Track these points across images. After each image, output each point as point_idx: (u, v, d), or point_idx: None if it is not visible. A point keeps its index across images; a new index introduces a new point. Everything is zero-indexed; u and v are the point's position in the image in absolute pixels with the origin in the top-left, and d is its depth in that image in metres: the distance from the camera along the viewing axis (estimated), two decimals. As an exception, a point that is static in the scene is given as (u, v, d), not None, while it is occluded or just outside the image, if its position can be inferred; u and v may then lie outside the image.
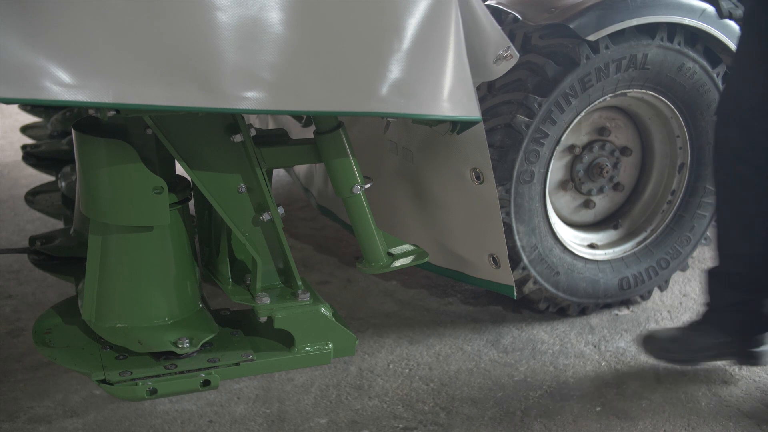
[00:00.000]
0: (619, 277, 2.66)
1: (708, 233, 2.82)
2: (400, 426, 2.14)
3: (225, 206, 1.63)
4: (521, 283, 2.47)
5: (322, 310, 1.69)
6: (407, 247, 1.76)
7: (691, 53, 2.44)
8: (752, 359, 2.30)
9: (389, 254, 1.72)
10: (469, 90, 1.57)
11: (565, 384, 2.32)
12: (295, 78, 1.40)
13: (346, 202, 1.68)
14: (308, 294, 1.69)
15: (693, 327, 2.31)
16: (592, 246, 2.68)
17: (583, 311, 2.66)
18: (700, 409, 2.24)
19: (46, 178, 2.84)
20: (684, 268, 2.85)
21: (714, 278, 2.30)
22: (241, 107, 1.37)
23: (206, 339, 1.65)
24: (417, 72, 1.50)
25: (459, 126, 1.65)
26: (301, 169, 2.65)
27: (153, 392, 1.59)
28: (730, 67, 2.26)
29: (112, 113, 1.50)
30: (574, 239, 2.65)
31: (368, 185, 1.66)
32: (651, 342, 2.28)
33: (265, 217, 1.64)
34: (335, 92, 1.43)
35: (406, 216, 1.96)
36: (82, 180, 1.62)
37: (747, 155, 2.08)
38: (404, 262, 1.73)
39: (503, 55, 1.62)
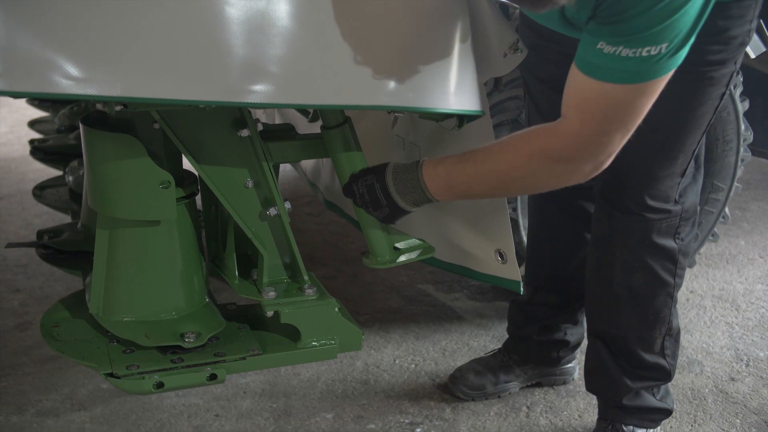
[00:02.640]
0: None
1: (715, 230, 2.81)
2: (406, 421, 2.14)
3: (232, 201, 1.63)
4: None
5: (329, 305, 1.69)
6: (413, 241, 1.75)
7: None
8: (562, 378, 2.30)
9: (395, 249, 1.72)
10: (475, 84, 1.57)
11: (572, 381, 2.32)
12: (303, 72, 1.40)
13: (353, 198, 1.68)
14: (315, 289, 1.69)
15: (495, 358, 2.27)
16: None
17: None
18: (707, 405, 2.23)
19: (54, 172, 2.85)
20: (691, 265, 2.84)
21: (515, 306, 2.27)
22: (248, 101, 1.37)
23: (213, 333, 1.66)
24: (424, 66, 1.49)
25: (465, 121, 1.65)
26: (307, 164, 2.65)
27: (160, 386, 1.59)
28: None
29: (119, 108, 1.50)
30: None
31: None
32: (458, 381, 2.23)
33: (272, 211, 1.64)
34: (342, 86, 1.43)
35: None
36: (89, 174, 1.62)
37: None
38: (410, 257, 1.73)
39: (512, 50, 1.61)
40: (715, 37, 1.61)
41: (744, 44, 1.68)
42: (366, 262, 1.74)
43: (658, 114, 1.53)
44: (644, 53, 1.39)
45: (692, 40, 1.42)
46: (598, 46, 1.42)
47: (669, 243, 1.84)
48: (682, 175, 1.80)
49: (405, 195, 1.61)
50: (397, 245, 1.73)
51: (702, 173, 1.92)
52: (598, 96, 1.46)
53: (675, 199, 1.81)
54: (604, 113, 1.47)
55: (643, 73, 1.42)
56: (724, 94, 1.72)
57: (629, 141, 1.72)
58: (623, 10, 1.37)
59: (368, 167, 1.66)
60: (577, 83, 1.49)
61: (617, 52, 1.40)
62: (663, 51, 1.39)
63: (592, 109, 1.47)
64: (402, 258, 1.72)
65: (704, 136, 1.79)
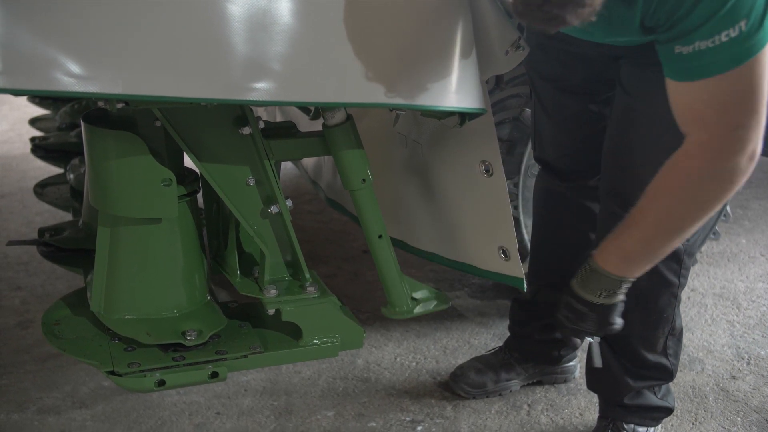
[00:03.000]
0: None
1: (717, 228, 2.80)
2: (407, 419, 2.14)
3: (233, 199, 1.63)
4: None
5: (330, 302, 1.69)
6: (430, 292, 1.81)
7: None
8: (563, 376, 2.31)
9: (412, 299, 1.78)
10: (477, 82, 1.57)
11: (573, 380, 2.32)
12: (304, 70, 1.39)
13: (354, 195, 1.68)
14: (316, 287, 1.69)
15: (496, 356, 2.28)
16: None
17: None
18: (708, 403, 2.23)
19: (55, 170, 2.85)
20: (693, 263, 2.84)
21: (517, 304, 2.27)
22: (250, 98, 1.36)
23: (214, 331, 1.66)
24: (426, 64, 1.49)
25: (467, 118, 1.65)
26: (309, 161, 2.65)
27: (161, 384, 1.59)
28: None
29: (121, 105, 1.50)
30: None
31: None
32: (459, 379, 2.23)
33: (274, 209, 1.64)
34: (344, 84, 1.43)
35: (415, 209, 1.96)
36: (90, 172, 1.62)
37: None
38: (427, 308, 1.80)
39: (514, 48, 1.61)
40: None
41: None
42: (384, 312, 1.79)
43: (667, 112, 1.51)
44: (724, 38, 1.32)
45: None
46: (676, 51, 1.37)
47: None
48: None
49: (597, 292, 1.62)
50: (415, 295, 1.78)
51: None
52: (704, 98, 1.40)
53: None
54: (720, 112, 1.40)
55: (735, 57, 1.34)
56: None
57: (636, 140, 1.71)
58: (673, 11, 1.33)
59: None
60: (680, 95, 1.43)
61: (696, 48, 1.34)
62: (744, 28, 1.30)
63: (706, 114, 1.41)
64: (419, 309, 1.78)
65: None
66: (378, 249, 1.71)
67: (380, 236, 1.70)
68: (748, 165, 1.45)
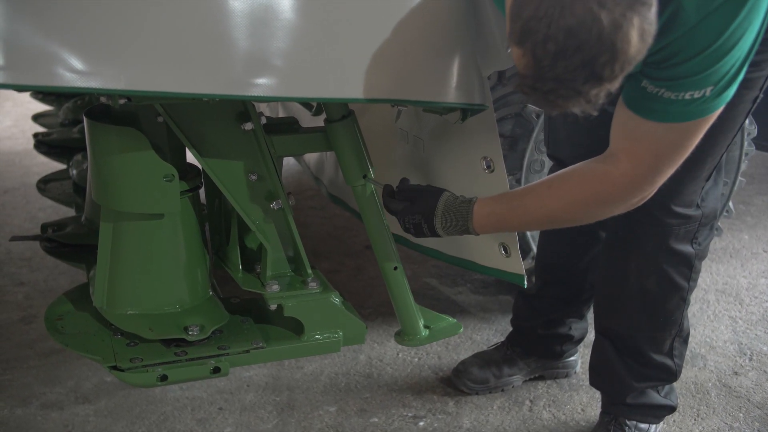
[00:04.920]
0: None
1: (719, 224, 2.80)
2: (409, 414, 2.14)
3: (235, 194, 1.64)
4: (531, 273, 2.46)
5: (332, 298, 1.69)
6: (443, 320, 1.82)
7: None
8: (564, 371, 2.31)
9: (425, 327, 1.79)
10: (478, 77, 1.57)
11: (574, 374, 2.32)
12: (306, 65, 1.39)
13: (356, 191, 1.68)
14: (318, 282, 1.69)
15: (498, 352, 2.28)
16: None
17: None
18: (710, 399, 2.23)
19: (58, 166, 2.85)
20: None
21: (522, 298, 2.27)
22: (252, 94, 1.37)
23: (216, 326, 1.66)
24: (427, 59, 1.49)
25: (469, 114, 1.65)
26: (311, 157, 2.65)
27: (163, 379, 1.60)
28: None
29: (123, 101, 1.50)
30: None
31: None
32: (462, 374, 2.24)
33: (276, 205, 1.64)
34: (346, 80, 1.43)
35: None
36: (93, 168, 1.62)
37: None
38: (439, 336, 1.82)
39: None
40: None
41: None
42: (397, 340, 1.81)
43: None
44: (687, 97, 1.36)
45: (740, 77, 1.38)
46: (642, 84, 1.40)
47: (686, 248, 1.81)
48: (708, 179, 1.77)
49: (447, 230, 1.63)
50: (428, 324, 1.80)
51: (722, 176, 1.89)
52: (645, 135, 1.44)
53: (697, 204, 1.78)
54: (654, 154, 1.46)
55: (687, 114, 1.39)
56: (757, 97, 1.68)
57: None
58: (672, 55, 1.34)
59: (423, 186, 1.67)
60: (624, 119, 1.46)
61: (660, 93, 1.38)
62: (707, 95, 1.36)
63: (642, 151, 1.46)
64: (431, 336, 1.80)
65: (734, 139, 1.74)
66: (392, 279, 1.74)
67: (395, 268, 1.73)
68: (638, 203, 1.53)
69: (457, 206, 1.62)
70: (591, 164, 1.54)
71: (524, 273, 1.80)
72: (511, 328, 2.32)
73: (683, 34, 1.31)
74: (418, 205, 1.64)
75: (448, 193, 1.64)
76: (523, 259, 1.82)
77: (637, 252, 1.83)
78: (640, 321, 1.89)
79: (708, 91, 1.35)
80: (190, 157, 1.65)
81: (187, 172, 1.69)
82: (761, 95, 1.70)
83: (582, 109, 1.25)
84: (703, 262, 1.91)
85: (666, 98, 1.37)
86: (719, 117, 1.62)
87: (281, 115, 2.69)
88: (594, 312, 2.03)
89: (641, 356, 1.93)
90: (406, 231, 1.66)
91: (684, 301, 1.88)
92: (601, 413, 2.04)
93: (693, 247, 1.82)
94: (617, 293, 1.91)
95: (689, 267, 1.84)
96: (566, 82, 1.20)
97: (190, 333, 1.61)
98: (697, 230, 1.81)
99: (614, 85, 1.22)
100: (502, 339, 2.33)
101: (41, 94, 3.22)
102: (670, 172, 1.48)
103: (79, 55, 1.26)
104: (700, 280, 2.91)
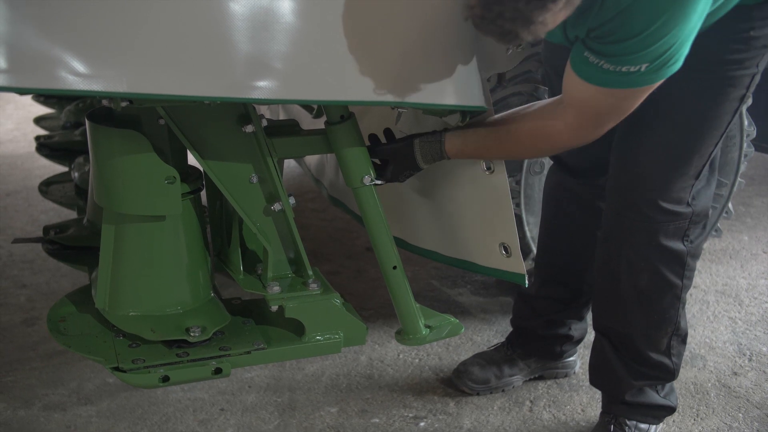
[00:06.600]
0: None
1: (719, 225, 2.81)
2: (410, 415, 2.15)
3: (236, 196, 1.64)
4: (531, 273, 2.47)
5: (333, 299, 1.70)
6: (444, 319, 1.82)
7: None
8: (564, 371, 2.32)
9: (426, 326, 1.80)
10: (478, 79, 1.58)
11: (573, 374, 2.33)
12: (307, 68, 1.40)
13: (356, 193, 1.69)
14: (319, 283, 1.70)
15: (499, 352, 2.29)
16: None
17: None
18: (710, 400, 2.24)
19: (60, 168, 2.86)
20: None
21: (522, 299, 2.28)
22: (253, 97, 1.37)
23: (218, 327, 1.67)
24: (428, 62, 1.50)
25: (469, 116, 1.66)
26: (312, 159, 2.66)
27: (165, 380, 1.60)
28: None
29: (125, 104, 1.51)
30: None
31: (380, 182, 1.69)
32: (462, 375, 2.25)
33: (277, 207, 1.65)
34: (346, 82, 1.44)
35: (416, 206, 1.96)
36: (95, 170, 1.63)
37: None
38: (440, 335, 1.82)
39: (515, 46, 1.62)
40: (735, 36, 1.61)
41: (767, 47, 1.66)
42: (398, 339, 1.82)
43: (675, 113, 1.52)
44: (623, 69, 1.46)
45: (680, 61, 1.46)
46: (585, 53, 1.50)
47: (677, 245, 1.82)
48: (697, 177, 1.78)
49: (426, 158, 1.71)
50: (429, 323, 1.80)
51: (716, 177, 1.91)
52: (588, 96, 1.54)
53: (687, 202, 1.80)
54: (596, 113, 1.57)
55: (624, 83, 1.49)
56: (744, 96, 1.71)
57: (643, 140, 1.72)
58: (609, 33, 1.43)
59: (394, 144, 1.75)
60: (571, 78, 1.55)
61: (599, 64, 1.48)
62: (642, 70, 1.45)
63: (585, 109, 1.57)
64: (432, 336, 1.80)
65: (722, 139, 1.76)
66: (393, 279, 1.74)
67: (395, 267, 1.73)
68: (582, 145, 1.67)
69: (432, 150, 1.71)
70: (544, 115, 1.64)
71: (525, 273, 1.81)
72: (511, 329, 2.33)
73: (618, 14, 1.40)
74: (401, 165, 1.73)
75: (417, 140, 1.71)
76: (524, 260, 1.83)
77: (627, 247, 1.85)
78: (635, 319, 1.90)
79: (643, 67, 1.45)
80: (192, 160, 1.66)
81: (189, 175, 1.70)
82: (749, 94, 1.72)
83: (533, 34, 1.33)
84: (703, 263, 1.92)
85: (605, 69, 1.48)
86: (704, 115, 1.67)
87: (282, 117, 2.70)
88: (592, 310, 2.04)
89: (638, 355, 1.94)
90: (401, 182, 1.78)
91: (678, 299, 1.89)
92: (602, 413, 2.05)
93: (684, 245, 1.83)
94: (612, 290, 1.92)
95: (681, 264, 1.85)
96: (509, 2, 1.28)
97: (192, 334, 1.61)
98: (687, 228, 1.82)
99: (559, 13, 1.31)
100: (503, 340, 2.34)
101: (43, 96, 3.23)
102: (611, 125, 1.61)
103: (81, 59, 1.26)
104: (699, 281, 2.93)
